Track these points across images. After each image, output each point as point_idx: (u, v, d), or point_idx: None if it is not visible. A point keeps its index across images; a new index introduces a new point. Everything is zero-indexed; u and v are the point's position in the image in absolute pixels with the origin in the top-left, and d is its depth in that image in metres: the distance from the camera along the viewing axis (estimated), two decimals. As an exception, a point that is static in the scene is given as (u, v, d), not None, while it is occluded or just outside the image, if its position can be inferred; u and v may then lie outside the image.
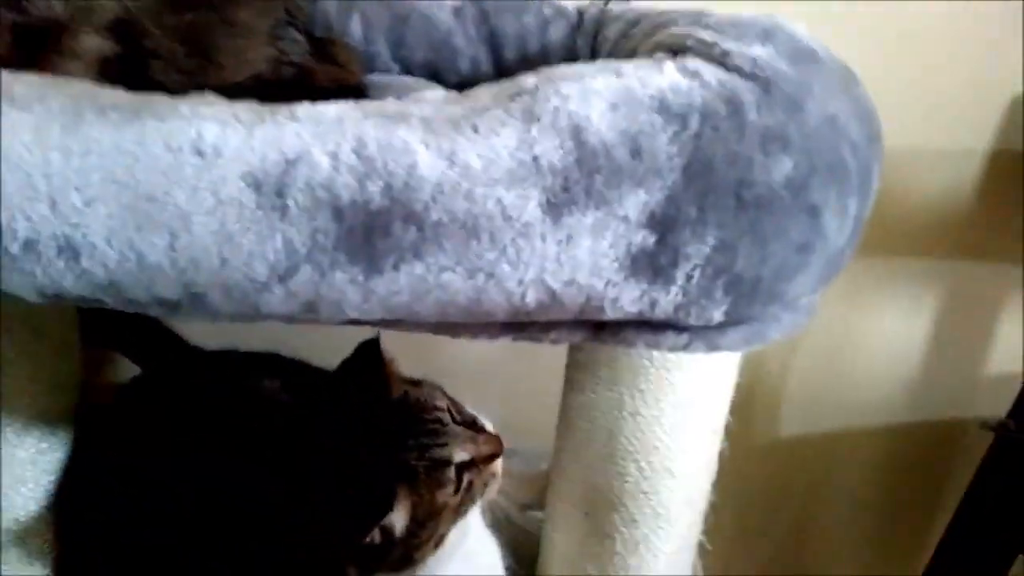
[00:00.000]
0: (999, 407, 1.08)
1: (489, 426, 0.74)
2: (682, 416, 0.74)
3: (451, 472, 0.69)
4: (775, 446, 1.23)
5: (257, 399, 0.83)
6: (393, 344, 1.14)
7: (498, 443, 0.72)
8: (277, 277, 0.39)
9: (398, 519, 0.66)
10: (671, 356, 0.71)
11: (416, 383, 0.75)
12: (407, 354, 1.16)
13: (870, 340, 1.18)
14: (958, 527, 1.11)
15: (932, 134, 1.03)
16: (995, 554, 1.09)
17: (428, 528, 0.69)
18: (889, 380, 1.20)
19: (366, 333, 1.07)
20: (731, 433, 0.79)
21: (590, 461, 0.76)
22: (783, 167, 0.42)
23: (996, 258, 1.13)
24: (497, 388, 1.14)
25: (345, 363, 0.73)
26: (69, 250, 0.38)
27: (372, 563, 0.68)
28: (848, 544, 1.32)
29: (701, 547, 0.81)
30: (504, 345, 1.17)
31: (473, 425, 0.73)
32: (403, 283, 0.39)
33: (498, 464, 0.73)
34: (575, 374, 0.77)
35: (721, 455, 0.79)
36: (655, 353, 0.71)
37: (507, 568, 0.78)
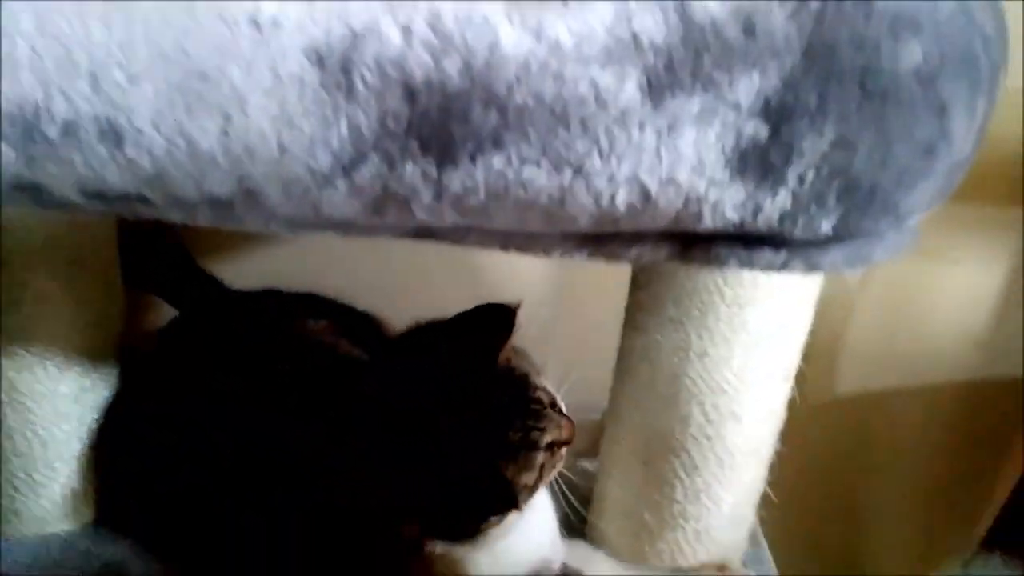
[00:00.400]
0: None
1: (564, 407, 0.70)
2: (752, 358, 0.69)
3: (540, 457, 0.66)
4: (833, 403, 1.18)
5: (311, 345, 0.80)
6: (433, 278, 1.11)
7: (573, 429, 0.69)
8: (341, 168, 0.35)
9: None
10: (743, 293, 0.67)
11: (516, 350, 0.71)
12: (447, 292, 1.13)
13: (939, 292, 1.12)
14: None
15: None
16: None
17: None
18: (957, 335, 1.14)
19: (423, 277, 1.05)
20: (801, 382, 0.74)
21: (651, 406, 0.72)
22: (913, 55, 0.37)
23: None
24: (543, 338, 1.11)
25: (463, 317, 0.70)
26: (112, 135, 0.34)
27: (439, 534, 0.65)
28: (907, 505, 1.27)
29: (766, 498, 0.77)
30: (553, 291, 1.14)
31: (555, 407, 0.70)
32: (480, 178, 0.35)
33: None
34: (637, 315, 0.72)
35: (792, 403, 0.74)
36: (727, 290, 0.67)
37: (558, 520, 0.75)
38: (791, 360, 0.72)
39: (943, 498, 1.25)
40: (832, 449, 1.19)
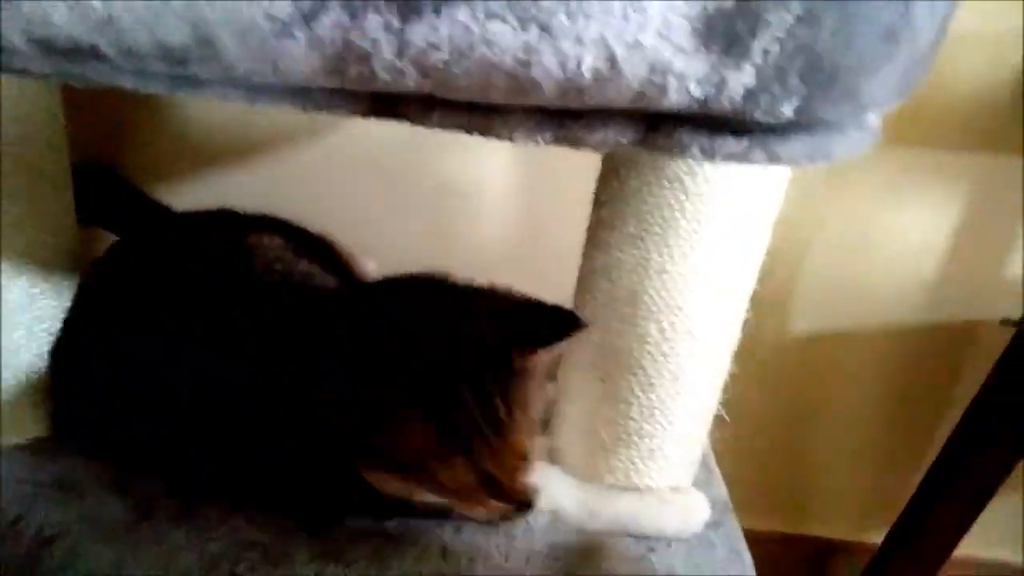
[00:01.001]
0: (1020, 309, 1.05)
1: None
2: (711, 276, 0.70)
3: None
4: (785, 343, 1.21)
5: (266, 261, 0.79)
6: (400, 227, 1.11)
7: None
8: (301, 16, 0.34)
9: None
10: (704, 210, 0.67)
11: None
12: (415, 240, 1.12)
13: (890, 236, 1.14)
14: (969, 425, 1.09)
15: (972, 13, 0.97)
16: (1002, 453, 1.08)
17: None
18: (907, 278, 1.16)
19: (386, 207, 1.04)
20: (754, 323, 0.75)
21: (610, 323, 0.72)
22: (881, -68, 0.37)
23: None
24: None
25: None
26: (60, -31, 0.33)
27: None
28: (854, 441, 1.31)
29: (719, 419, 0.78)
30: (515, 231, 1.13)
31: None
32: (444, 32, 0.34)
33: None
34: (599, 232, 0.73)
35: (746, 324, 0.75)
36: (687, 205, 0.67)
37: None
38: (748, 280, 0.73)
39: (889, 433, 1.29)
40: (783, 387, 1.22)
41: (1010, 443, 1.07)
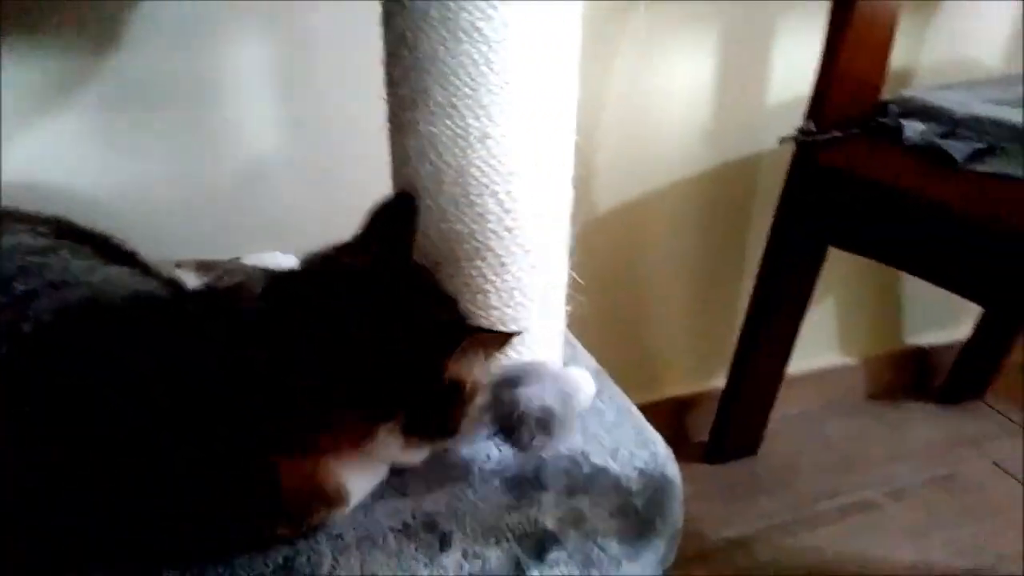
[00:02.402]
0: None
1: None
2: (534, 133, 0.65)
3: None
4: (595, 220, 1.20)
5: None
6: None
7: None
8: None
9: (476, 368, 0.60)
10: (510, 58, 0.62)
11: None
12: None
13: (665, 96, 1.16)
14: (777, 235, 1.15)
15: None
16: (811, 250, 1.15)
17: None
18: (686, 128, 1.19)
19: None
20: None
21: (444, 211, 0.66)
22: None
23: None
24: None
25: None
26: None
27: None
28: (680, 297, 1.35)
29: (575, 283, 0.74)
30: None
31: None
32: None
33: None
34: (402, 115, 0.65)
35: (575, 181, 0.71)
36: (493, 57, 0.62)
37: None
38: (570, 135, 0.69)
39: (708, 280, 1.34)
40: (602, 265, 1.21)
41: (814, 245, 1.14)
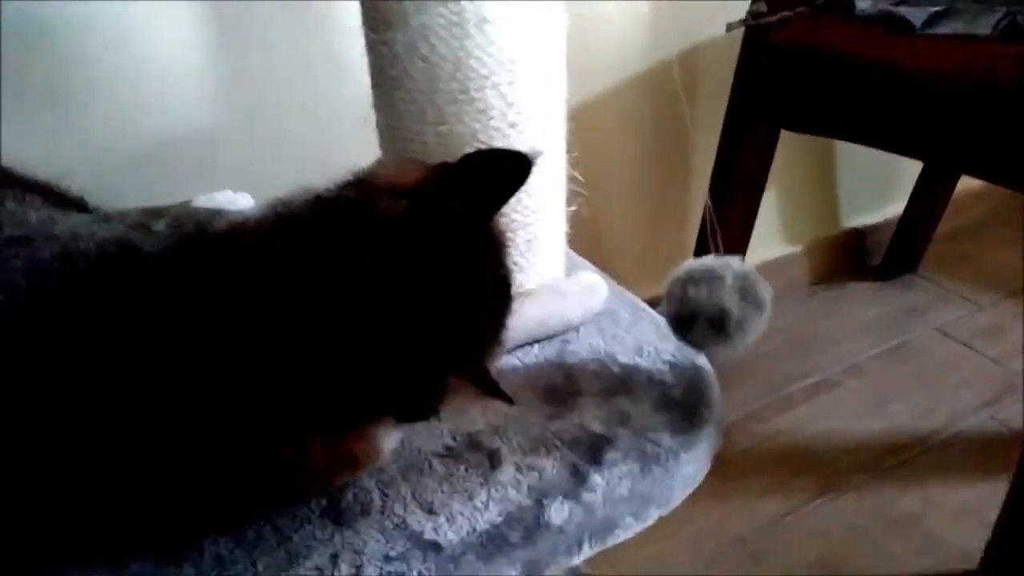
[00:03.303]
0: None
1: None
2: (531, 10, 0.60)
3: None
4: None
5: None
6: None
7: None
8: None
9: None
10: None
11: None
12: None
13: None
14: (731, 123, 1.14)
15: None
16: (765, 136, 1.15)
17: None
18: (625, 28, 1.16)
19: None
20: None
21: (442, 114, 0.60)
22: None
23: None
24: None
25: None
26: None
27: None
28: (638, 197, 1.33)
29: (575, 180, 0.71)
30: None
31: None
32: None
33: None
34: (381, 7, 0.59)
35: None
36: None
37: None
38: (561, 14, 0.64)
39: (657, 178, 1.33)
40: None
41: (768, 131, 1.13)
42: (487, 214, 0.53)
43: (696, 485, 0.60)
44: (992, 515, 1.00)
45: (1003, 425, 1.26)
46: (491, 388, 0.52)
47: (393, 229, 0.48)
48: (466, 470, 0.56)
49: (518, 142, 0.62)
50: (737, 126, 1.14)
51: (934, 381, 1.36)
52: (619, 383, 0.64)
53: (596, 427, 0.60)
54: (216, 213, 0.76)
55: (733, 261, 0.62)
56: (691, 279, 0.61)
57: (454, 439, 0.59)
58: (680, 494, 0.59)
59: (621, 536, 0.56)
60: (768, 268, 1.51)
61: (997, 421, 1.27)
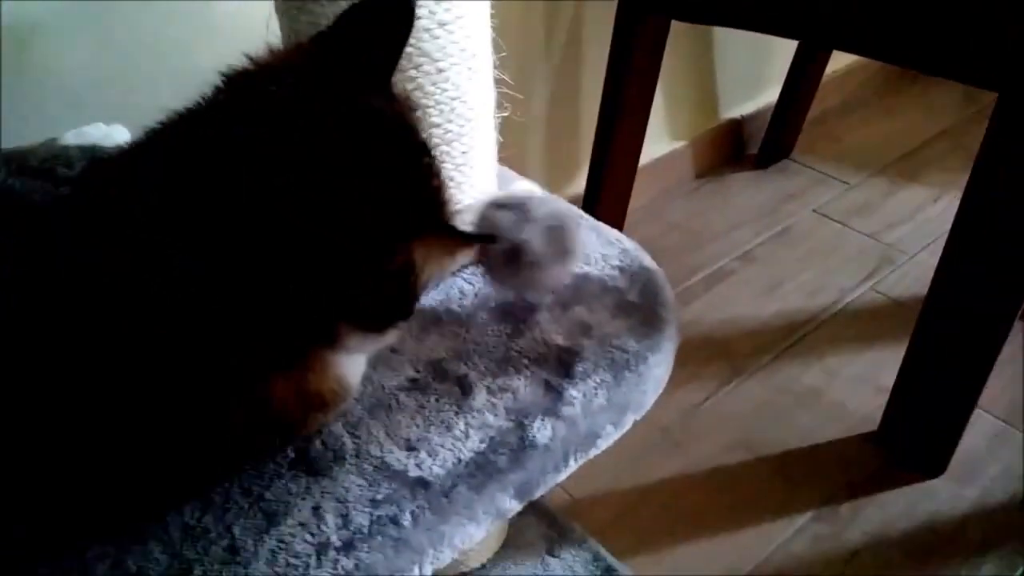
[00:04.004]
0: None
1: None
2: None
3: None
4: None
5: None
6: None
7: None
8: None
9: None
10: None
11: None
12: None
13: None
14: (623, 14, 1.12)
15: None
16: (657, 26, 1.14)
17: None
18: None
19: None
20: None
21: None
22: None
23: None
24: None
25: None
26: None
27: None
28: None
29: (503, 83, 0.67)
30: None
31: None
32: None
33: None
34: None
35: None
36: None
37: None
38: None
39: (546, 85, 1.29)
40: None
41: (659, 23, 1.12)
42: (382, 73, 0.48)
43: (664, 385, 0.60)
44: (884, 379, 1.08)
45: (884, 296, 1.35)
46: (464, 236, 0.49)
47: (284, 108, 0.44)
48: (437, 400, 0.54)
49: (449, 44, 0.57)
50: (629, 19, 1.12)
51: (818, 260, 1.44)
52: (573, 293, 0.62)
53: (560, 340, 0.58)
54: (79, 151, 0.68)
55: (554, 199, 0.60)
56: (503, 205, 0.57)
57: (416, 370, 0.56)
58: (652, 397, 0.58)
59: (602, 446, 0.55)
60: (657, 165, 1.53)
61: (878, 292, 1.35)
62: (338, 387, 0.48)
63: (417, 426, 0.52)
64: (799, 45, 1.52)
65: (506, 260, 0.57)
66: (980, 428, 1.09)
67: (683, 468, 1.08)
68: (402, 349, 0.57)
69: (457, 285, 0.63)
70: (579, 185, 1.36)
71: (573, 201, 1.29)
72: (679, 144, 1.58)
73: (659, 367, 0.58)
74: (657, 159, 1.54)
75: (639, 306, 0.61)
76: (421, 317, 0.60)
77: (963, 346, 0.94)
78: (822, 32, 1.03)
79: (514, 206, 0.56)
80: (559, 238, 0.57)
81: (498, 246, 0.56)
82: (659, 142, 1.53)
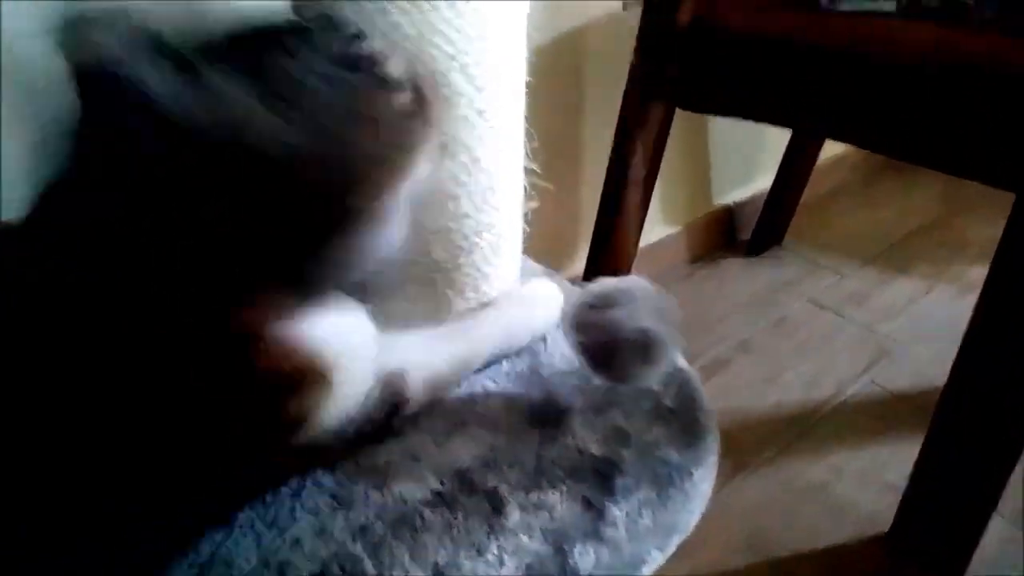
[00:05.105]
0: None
1: None
2: None
3: None
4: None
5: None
6: None
7: None
8: None
9: None
10: None
11: None
12: None
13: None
14: (629, 104, 1.11)
15: None
16: (662, 113, 1.12)
17: None
18: None
19: None
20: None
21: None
22: None
23: None
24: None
25: None
26: None
27: None
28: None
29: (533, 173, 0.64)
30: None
31: None
32: None
33: None
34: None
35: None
36: None
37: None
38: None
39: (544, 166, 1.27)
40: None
41: (665, 111, 1.11)
42: None
43: (707, 503, 0.55)
44: (890, 475, 1.04)
45: (882, 388, 1.32)
46: None
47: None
48: (465, 518, 0.48)
49: (486, 130, 0.54)
50: (636, 105, 1.11)
51: (815, 351, 1.41)
52: (605, 395, 0.58)
53: (595, 449, 0.53)
54: None
55: (634, 281, 0.57)
56: (604, 303, 0.54)
57: (441, 482, 0.51)
58: (696, 517, 0.53)
59: (646, 573, 0.50)
60: (652, 250, 1.51)
61: (877, 385, 1.33)
62: (316, 360, 0.43)
63: (445, 549, 0.46)
64: (793, 133, 1.53)
65: (634, 356, 0.53)
66: (991, 530, 1.05)
67: (691, 572, 1.02)
68: (423, 457, 0.52)
69: (480, 383, 0.58)
70: (577, 267, 1.33)
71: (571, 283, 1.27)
72: (674, 229, 1.57)
73: (704, 483, 0.54)
74: (652, 244, 1.52)
75: (676, 411, 0.57)
76: (443, 419, 0.55)
77: (984, 443, 0.91)
78: (839, 126, 1.02)
79: (619, 301, 0.52)
80: (667, 313, 0.53)
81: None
82: (654, 227, 1.52)
